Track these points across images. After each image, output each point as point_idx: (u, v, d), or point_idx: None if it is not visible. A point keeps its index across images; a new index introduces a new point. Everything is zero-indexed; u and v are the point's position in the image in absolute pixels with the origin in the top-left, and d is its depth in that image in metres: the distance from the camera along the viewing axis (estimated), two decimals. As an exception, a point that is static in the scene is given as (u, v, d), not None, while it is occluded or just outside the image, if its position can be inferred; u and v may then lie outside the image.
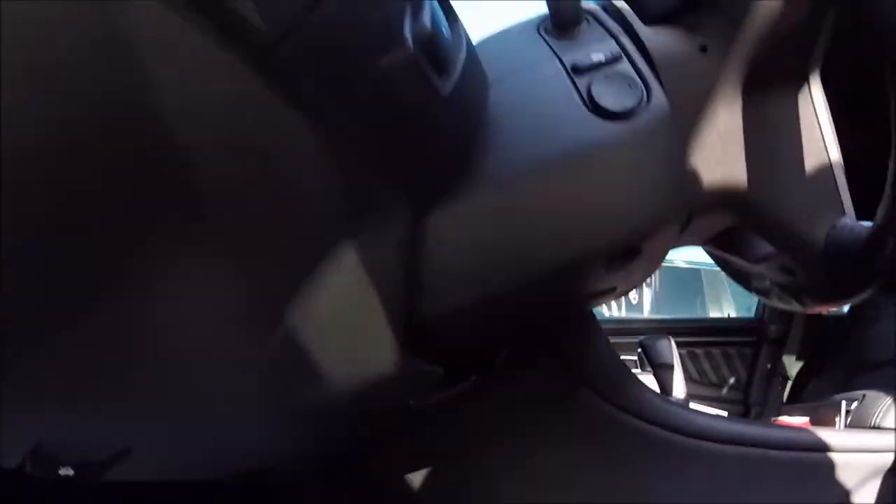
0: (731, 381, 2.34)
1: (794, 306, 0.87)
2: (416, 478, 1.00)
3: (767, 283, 0.86)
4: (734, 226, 0.75)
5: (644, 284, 4.94)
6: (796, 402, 1.94)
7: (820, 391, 1.94)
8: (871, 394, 1.24)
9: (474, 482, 0.97)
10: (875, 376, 1.71)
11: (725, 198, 0.68)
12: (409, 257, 0.47)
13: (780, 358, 2.31)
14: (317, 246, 0.38)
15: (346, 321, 0.44)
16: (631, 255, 0.63)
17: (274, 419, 0.51)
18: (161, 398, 0.41)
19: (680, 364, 1.31)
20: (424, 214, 0.49)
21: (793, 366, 2.31)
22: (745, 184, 0.68)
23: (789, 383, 2.27)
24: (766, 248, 0.75)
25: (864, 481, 1.00)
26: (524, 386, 1.01)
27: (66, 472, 0.47)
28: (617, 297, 0.72)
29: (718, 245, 0.83)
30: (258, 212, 0.33)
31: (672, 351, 1.30)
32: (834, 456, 1.02)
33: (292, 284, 0.37)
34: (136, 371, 0.37)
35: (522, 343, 0.79)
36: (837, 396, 1.28)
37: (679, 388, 1.23)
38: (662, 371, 1.27)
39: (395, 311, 0.47)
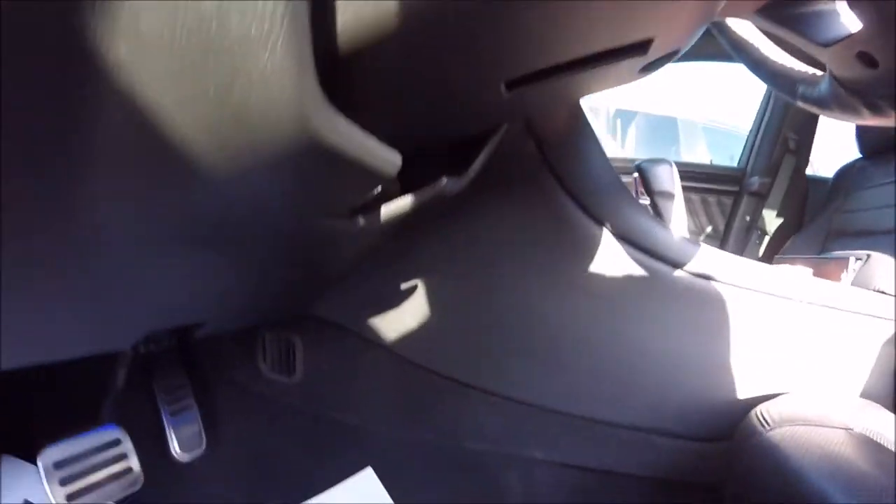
0: (708, 229, 2.27)
1: (859, 115, 0.70)
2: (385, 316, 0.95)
3: (822, 89, 0.69)
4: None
5: (618, 130, 4.82)
6: (771, 259, 1.87)
7: (797, 251, 1.87)
8: (875, 255, 1.13)
9: (450, 305, 0.90)
10: (866, 243, 1.63)
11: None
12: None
13: (761, 212, 2.23)
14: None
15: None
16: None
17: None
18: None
19: (682, 193, 1.17)
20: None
21: (772, 222, 2.24)
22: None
23: (767, 238, 2.21)
24: (842, 27, 0.57)
25: (864, 345, 0.95)
26: (506, 196, 0.88)
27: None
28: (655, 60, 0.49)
29: (774, 18, 0.63)
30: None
31: (673, 177, 1.15)
32: (838, 314, 0.94)
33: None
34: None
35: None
36: (841, 252, 1.17)
37: (680, 220, 1.09)
38: (662, 199, 1.12)
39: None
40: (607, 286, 0.88)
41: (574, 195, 0.87)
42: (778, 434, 0.78)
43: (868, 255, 1.15)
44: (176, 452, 0.83)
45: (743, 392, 0.91)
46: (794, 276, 0.93)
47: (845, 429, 0.78)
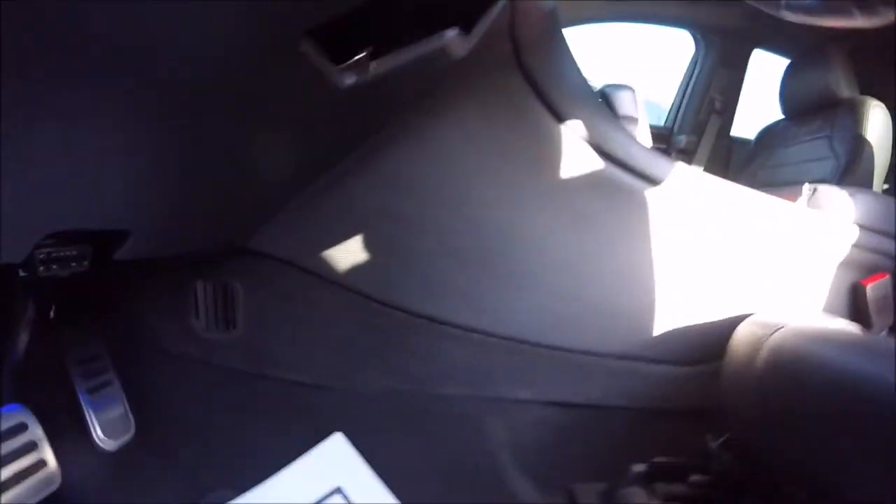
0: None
1: (850, 17, 0.68)
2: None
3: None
4: None
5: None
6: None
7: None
8: (822, 186, 1.17)
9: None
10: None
11: None
12: None
13: (688, 168, 2.28)
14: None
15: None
16: None
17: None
18: None
19: (646, 117, 1.12)
20: None
21: (699, 177, 2.29)
22: None
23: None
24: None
25: (824, 265, 0.97)
26: (480, 107, 0.77)
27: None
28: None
29: None
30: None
31: (636, 102, 1.10)
32: (798, 229, 0.94)
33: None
34: None
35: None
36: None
37: (645, 143, 1.04)
38: (626, 123, 1.06)
39: None
40: (584, 202, 0.80)
41: (549, 104, 0.79)
42: (768, 346, 0.76)
43: (815, 188, 1.18)
44: (99, 439, 0.66)
45: (723, 313, 0.89)
46: (767, 199, 0.92)
47: (817, 331, 0.76)
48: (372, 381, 0.82)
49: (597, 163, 0.80)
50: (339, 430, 0.72)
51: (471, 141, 0.76)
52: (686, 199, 0.84)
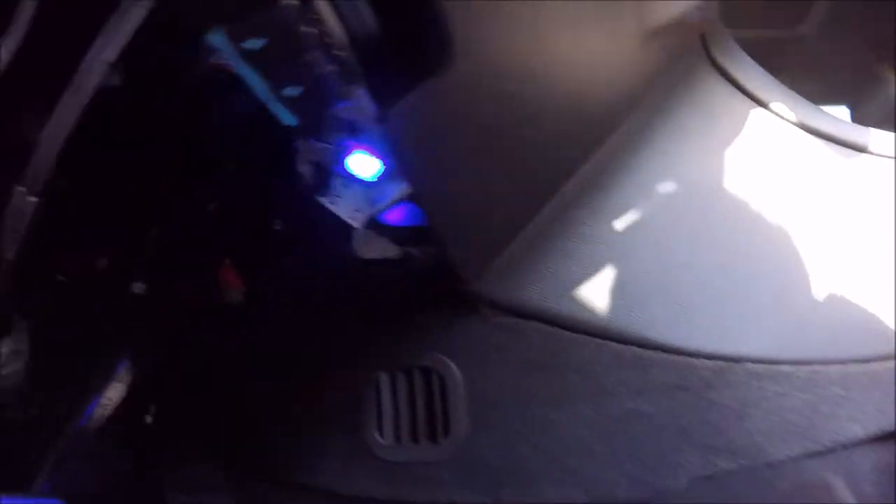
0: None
1: None
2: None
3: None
4: None
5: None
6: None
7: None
8: None
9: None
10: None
11: None
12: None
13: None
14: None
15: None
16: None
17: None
18: None
19: None
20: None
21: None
22: None
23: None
24: None
25: None
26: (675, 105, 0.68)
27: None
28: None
29: None
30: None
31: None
32: None
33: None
34: None
35: None
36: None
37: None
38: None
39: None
40: (811, 188, 0.68)
41: (750, 94, 0.70)
42: None
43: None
44: None
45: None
46: None
47: None
48: (688, 469, 0.58)
49: (815, 146, 0.69)
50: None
51: (688, 145, 0.66)
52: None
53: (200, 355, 0.72)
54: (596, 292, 0.62)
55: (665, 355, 0.60)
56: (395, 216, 0.58)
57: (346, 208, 0.55)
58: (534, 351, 0.61)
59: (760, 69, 0.72)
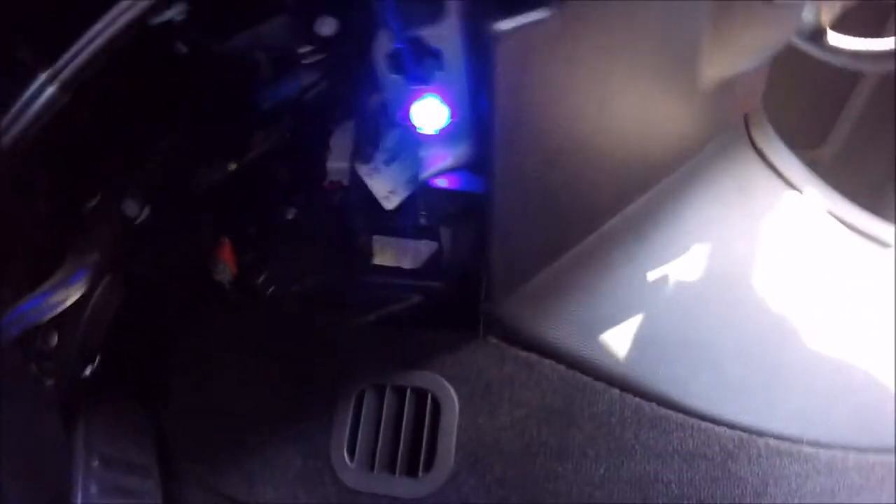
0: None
1: None
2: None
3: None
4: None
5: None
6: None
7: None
8: None
9: None
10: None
11: None
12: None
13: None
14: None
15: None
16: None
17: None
18: None
19: None
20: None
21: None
22: None
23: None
24: None
25: None
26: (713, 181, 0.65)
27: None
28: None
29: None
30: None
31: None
32: None
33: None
34: None
35: None
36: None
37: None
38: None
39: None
40: (836, 277, 0.67)
41: (782, 175, 0.70)
42: None
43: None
44: None
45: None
46: None
47: None
48: None
49: (843, 234, 0.69)
50: None
51: (725, 212, 0.65)
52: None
53: (167, 326, 0.63)
54: (621, 339, 0.57)
55: (687, 418, 0.56)
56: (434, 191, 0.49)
57: (382, 186, 0.47)
58: (547, 392, 0.56)
59: (794, 157, 0.73)
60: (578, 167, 0.52)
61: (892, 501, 0.59)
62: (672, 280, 0.60)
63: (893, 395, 0.63)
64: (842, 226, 0.70)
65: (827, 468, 0.57)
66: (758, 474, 0.55)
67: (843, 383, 0.61)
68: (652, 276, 0.59)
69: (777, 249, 0.66)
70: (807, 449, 0.57)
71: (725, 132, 0.70)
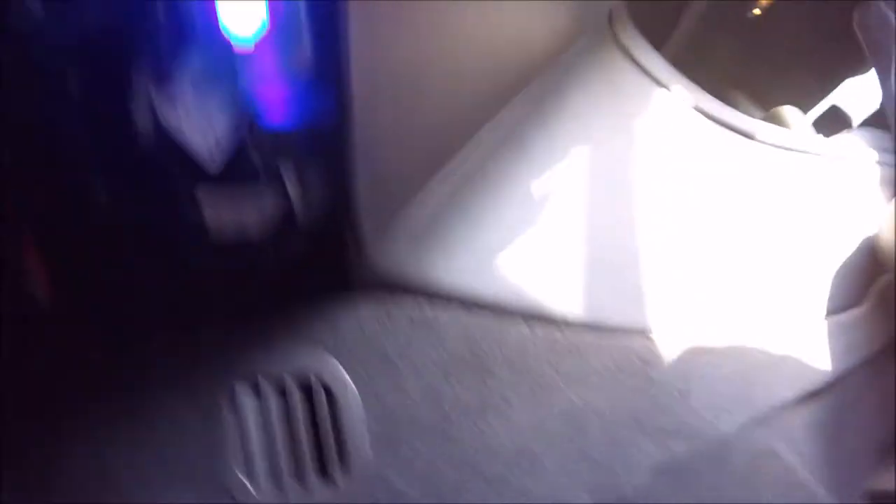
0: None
1: None
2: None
3: None
4: None
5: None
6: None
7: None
8: None
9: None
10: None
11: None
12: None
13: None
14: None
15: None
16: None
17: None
18: None
19: None
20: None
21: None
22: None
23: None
24: None
25: None
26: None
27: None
28: None
29: None
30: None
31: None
32: None
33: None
34: None
35: None
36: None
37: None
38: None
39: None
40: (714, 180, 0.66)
41: (646, 70, 0.67)
42: None
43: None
44: None
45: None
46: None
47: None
48: (647, 461, 0.51)
49: (711, 129, 0.68)
50: None
51: (598, 110, 0.61)
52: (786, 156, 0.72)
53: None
54: (516, 267, 0.52)
55: (600, 336, 0.52)
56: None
57: (199, 132, 0.34)
58: (452, 345, 0.49)
59: (658, 55, 0.70)
60: (444, 69, 0.45)
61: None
62: (558, 191, 0.57)
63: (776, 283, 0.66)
64: (709, 121, 0.69)
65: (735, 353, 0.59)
66: (678, 374, 0.54)
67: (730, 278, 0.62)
68: (536, 189, 0.55)
69: (652, 148, 0.64)
70: (716, 342, 0.57)
71: (589, 31, 0.66)
